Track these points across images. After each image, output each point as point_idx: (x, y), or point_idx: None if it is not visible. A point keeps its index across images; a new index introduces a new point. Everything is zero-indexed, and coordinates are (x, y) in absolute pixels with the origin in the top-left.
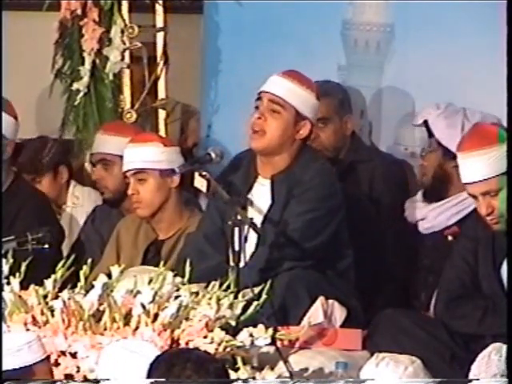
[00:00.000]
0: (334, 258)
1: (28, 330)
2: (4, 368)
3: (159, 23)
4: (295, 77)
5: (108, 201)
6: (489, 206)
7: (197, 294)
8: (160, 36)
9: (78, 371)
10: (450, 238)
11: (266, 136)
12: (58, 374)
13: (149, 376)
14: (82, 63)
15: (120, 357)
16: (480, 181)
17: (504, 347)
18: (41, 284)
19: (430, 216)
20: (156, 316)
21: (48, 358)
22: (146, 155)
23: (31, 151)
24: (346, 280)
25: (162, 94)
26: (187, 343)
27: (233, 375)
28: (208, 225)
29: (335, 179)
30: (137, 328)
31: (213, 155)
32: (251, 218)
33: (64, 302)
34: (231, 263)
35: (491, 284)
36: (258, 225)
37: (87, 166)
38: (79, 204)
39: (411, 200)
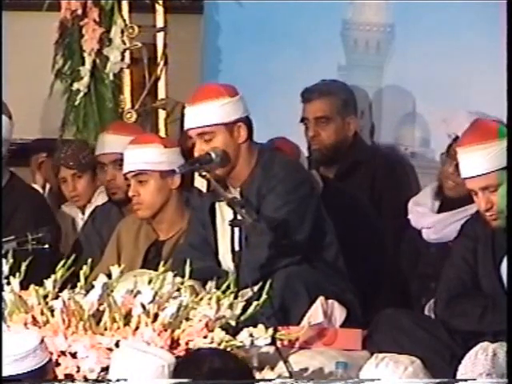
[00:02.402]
0: (320, 248)
1: (28, 330)
2: (21, 371)
3: (159, 23)
4: (201, 96)
5: (120, 201)
6: (488, 201)
7: (197, 294)
8: (160, 36)
9: (78, 371)
10: None
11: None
12: (58, 374)
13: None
14: (83, 63)
15: (131, 356)
16: (479, 175)
17: (491, 346)
18: (41, 284)
19: (438, 226)
20: (156, 316)
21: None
22: (147, 156)
23: (73, 148)
24: (337, 271)
25: (162, 94)
26: (187, 343)
27: None
28: (192, 236)
29: (300, 169)
30: (137, 328)
31: (213, 155)
32: (255, 218)
33: (64, 302)
34: (230, 264)
35: (491, 282)
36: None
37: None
38: None
39: (415, 202)
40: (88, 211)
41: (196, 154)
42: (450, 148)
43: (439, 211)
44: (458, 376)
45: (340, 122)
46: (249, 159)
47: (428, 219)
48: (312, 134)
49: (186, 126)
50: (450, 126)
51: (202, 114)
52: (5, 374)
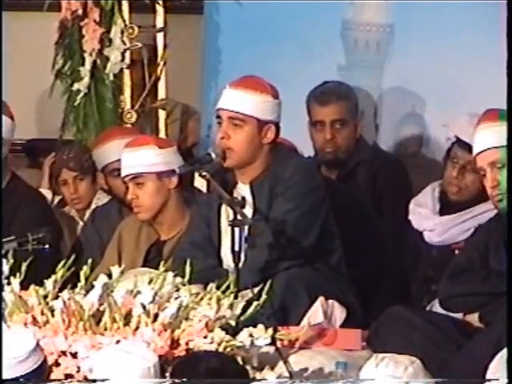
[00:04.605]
0: (325, 253)
1: (23, 329)
2: (25, 372)
3: (159, 23)
4: (248, 84)
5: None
6: (494, 178)
7: (197, 294)
8: (160, 36)
9: (78, 371)
10: (456, 251)
11: (233, 153)
12: (59, 373)
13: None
14: (83, 63)
15: (116, 358)
16: (489, 148)
17: None
18: (41, 284)
19: (440, 229)
20: (156, 316)
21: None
22: (142, 159)
23: (75, 151)
24: (339, 275)
25: (162, 94)
26: (187, 343)
27: None
28: (194, 233)
29: (315, 173)
30: (137, 328)
31: (213, 155)
32: (256, 217)
33: (64, 302)
34: (231, 263)
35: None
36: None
37: (98, 173)
38: None
39: (417, 203)
40: (87, 216)
41: (219, 135)
42: (450, 151)
43: (441, 213)
44: (488, 375)
45: (352, 125)
46: (265, 158)
47: (430, 222)
48: (329, 136)
49: (220, 105)
50: (451, 130)
51: (241, 101)
52: (10, 376)
